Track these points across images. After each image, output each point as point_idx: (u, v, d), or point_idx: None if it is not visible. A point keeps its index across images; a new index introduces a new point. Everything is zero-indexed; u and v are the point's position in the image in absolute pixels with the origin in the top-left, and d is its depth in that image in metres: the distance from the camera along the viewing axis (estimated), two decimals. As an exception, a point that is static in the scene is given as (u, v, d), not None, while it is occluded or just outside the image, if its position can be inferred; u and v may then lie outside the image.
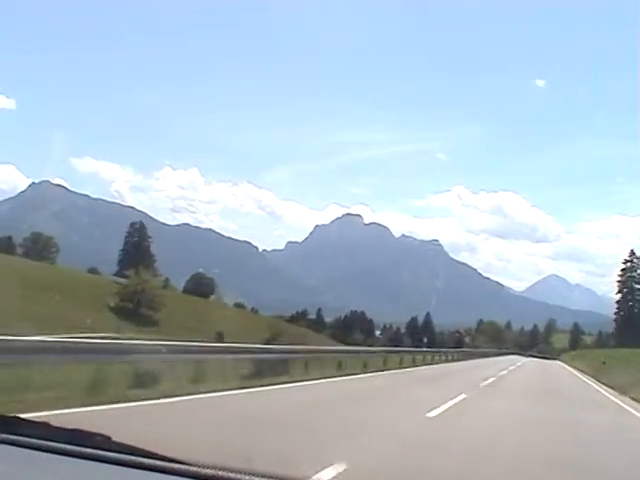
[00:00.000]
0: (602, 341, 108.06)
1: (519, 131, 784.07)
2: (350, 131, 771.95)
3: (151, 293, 53.04)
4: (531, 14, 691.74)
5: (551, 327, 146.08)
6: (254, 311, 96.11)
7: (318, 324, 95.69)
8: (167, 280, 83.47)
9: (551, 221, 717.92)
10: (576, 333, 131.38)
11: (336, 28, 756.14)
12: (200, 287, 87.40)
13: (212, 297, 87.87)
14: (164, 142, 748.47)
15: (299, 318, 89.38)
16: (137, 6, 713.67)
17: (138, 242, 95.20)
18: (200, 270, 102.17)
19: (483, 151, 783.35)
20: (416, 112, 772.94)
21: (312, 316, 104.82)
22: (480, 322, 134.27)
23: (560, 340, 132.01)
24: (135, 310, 51.12)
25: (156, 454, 1.84)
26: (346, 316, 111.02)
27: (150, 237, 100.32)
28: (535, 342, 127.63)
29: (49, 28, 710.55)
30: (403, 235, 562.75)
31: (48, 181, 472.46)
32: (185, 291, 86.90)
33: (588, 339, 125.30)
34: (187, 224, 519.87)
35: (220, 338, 21.80)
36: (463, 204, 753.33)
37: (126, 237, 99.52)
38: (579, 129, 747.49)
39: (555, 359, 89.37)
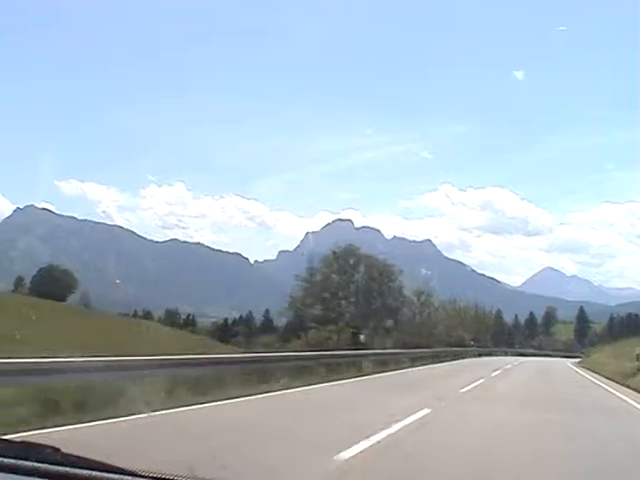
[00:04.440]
0: (615, 329, 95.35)
1: (502, 125, 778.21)
2: (336, 137, 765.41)
3: None
4: (497, 6, 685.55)
5: (551, 316, 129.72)
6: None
7: (268, 327, 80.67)
8: (20, 279, 70.25)
9: (542, 214, 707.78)
10: (582, 322, 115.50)
11: (314, 37, 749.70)
12: (49, 286, 64.55)
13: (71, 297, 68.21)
14: (147, 160, 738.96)
15: (239, 324, 76.43)
16: (116, 26, 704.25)
17: None
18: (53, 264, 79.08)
19: (467, 148, 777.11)
20: (398, 114, 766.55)
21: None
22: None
23: (564, 331, 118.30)
24: None
25: (105, 465, 1.85)
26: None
27: None
28: (533, 334, 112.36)
29: (26, 52, 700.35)
30: (395, 237, 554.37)
31: (33, 205, 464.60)
32: (33, 292, 64.71)
33: (596, 328, 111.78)
34: (175, 239, 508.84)
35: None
36: (452, 202, 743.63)
37: None
38: (562, 119, 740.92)
39: (576, 356, 61.07)
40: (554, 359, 60.85)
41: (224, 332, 65.39)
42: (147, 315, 79.68)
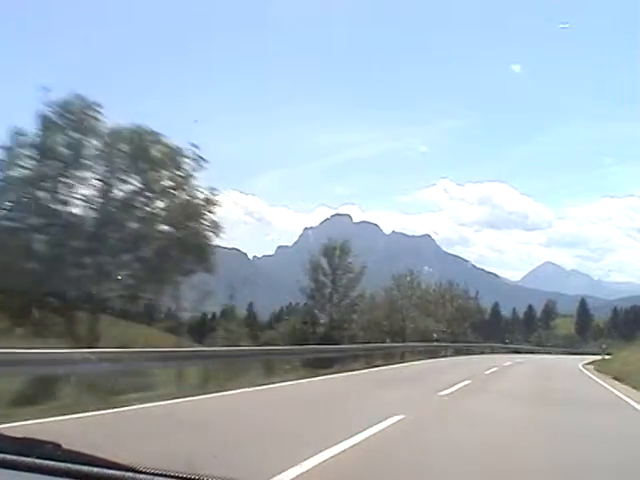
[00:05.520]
0: (619, 323, 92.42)
1: (500, 119, 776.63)
2: (334, 133, 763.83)
3: None
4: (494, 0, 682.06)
5: (551, 310, 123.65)
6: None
7: (252, 321, 76.22)
8: None
9: (541, 208, 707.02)
10: (583, 316, 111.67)
11: (312, 33, 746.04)
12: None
13: None
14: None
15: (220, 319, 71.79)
16: (115, 21, 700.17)
17: None
18: None
19: (465, 142, 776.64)
20: (396, 109, 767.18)
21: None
22: None
23: (564, 325, 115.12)
24: None
25: (106, 461, 1.84)
26: (282, 309, 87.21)
27: None
28: (532, 328, 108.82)
29: (26, 47, 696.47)
30: (394, 232, 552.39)
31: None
32: None
33: (598, 322, 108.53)
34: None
35: None
36: (450, 197, 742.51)
37: None
38: (561, 113, 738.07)
39: (580, 353, 51.83)
40: (556, 357, 49.45)
41: (202, 327, 62.19)
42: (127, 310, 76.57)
